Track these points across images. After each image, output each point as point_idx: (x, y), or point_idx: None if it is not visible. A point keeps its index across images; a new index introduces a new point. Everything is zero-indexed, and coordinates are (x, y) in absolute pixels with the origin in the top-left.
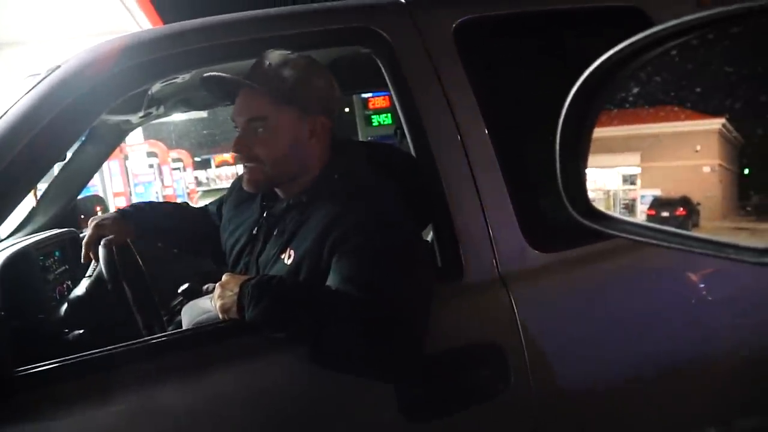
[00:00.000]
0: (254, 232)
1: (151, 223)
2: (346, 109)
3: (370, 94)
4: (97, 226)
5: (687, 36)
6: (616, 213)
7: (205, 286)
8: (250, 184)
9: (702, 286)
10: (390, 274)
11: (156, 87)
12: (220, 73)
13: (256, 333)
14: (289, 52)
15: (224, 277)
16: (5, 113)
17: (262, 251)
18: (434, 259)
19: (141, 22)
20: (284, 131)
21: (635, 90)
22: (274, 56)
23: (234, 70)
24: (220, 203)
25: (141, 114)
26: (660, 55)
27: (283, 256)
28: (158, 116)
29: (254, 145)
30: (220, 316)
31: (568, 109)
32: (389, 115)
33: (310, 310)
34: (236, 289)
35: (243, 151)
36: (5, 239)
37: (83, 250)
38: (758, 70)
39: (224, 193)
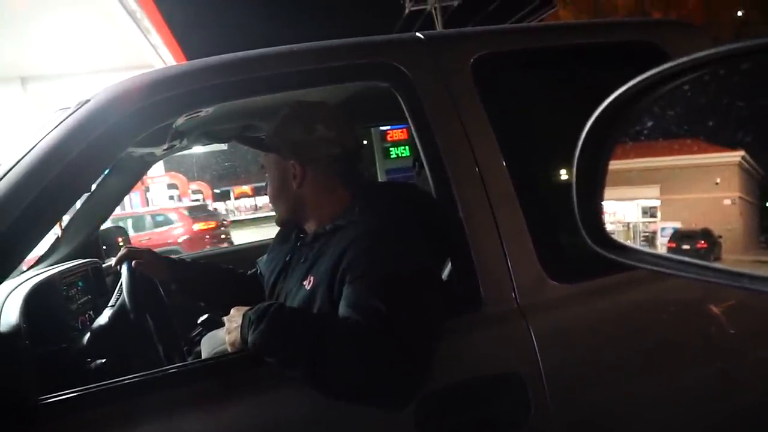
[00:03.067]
0: (287, 259)
1: (189, 280)
2: (364, 142)
3: (388, 127)
4: (134, 251)
5: (699, 71)
6: (632, 243)
7: (225, 317)
8: (276, 221)
9: (722, 318)
10: (395, 303)
11: (180, 120)
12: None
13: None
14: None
15: (231, 311)
16: (36, 145)
17: (291, 279)
18: (448, 295)
19: (165, 58)
20: (272, 176)
21: (649, 123)
22: (282, 109)
23: (256, 103)
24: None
25: (165, 147)
26: (673, 89)
27: (304, 283)
28: (181, 149)
29: (269, 189)
30: (230, 350)
31: (584, 142)
32: (407, 147)
33: (308, 334)
34: (239, 321)
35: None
36: (29, 269)
37: (116, 259)
38: (765, 104)
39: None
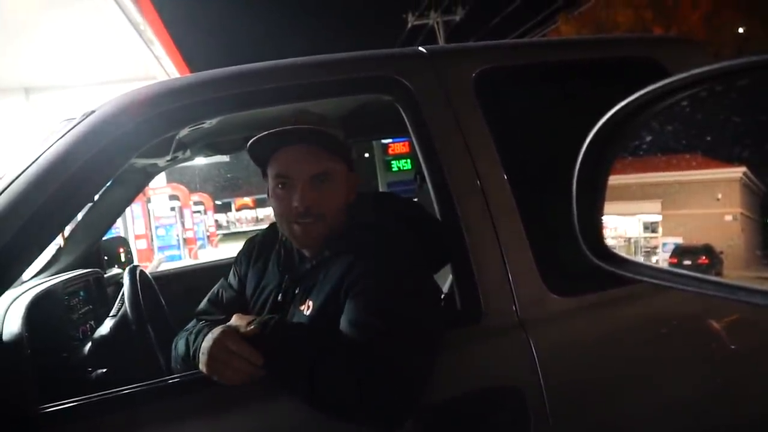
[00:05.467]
0: (279, 299)
1: None
2: (366, 155)
3: (390, 140)
4: None
5: (696, 88)
6: (630, 256)
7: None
8: (311, 240)
9: (723, 332)
10: (393, 320)
11: (183, 132)
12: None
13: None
14: (320, 113)
15: (234, 318)
16: (41, 155)
17: (286, 303)
18: (449, 307)
19: (168, 69)
20: (342, 186)
21: (648, 138)
22: (313, 115)
23: (260, 115)
24: (231, 278)
25: (168, 158)
26: (671, 105)
27: (302, 308)
28: (184, 160)
29: (319, 200)
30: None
31: (584, 156)
32: (408, 160)
33: (305, 349)
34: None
35: (312, 207)
36: (32, 278)
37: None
38: (764, 121)
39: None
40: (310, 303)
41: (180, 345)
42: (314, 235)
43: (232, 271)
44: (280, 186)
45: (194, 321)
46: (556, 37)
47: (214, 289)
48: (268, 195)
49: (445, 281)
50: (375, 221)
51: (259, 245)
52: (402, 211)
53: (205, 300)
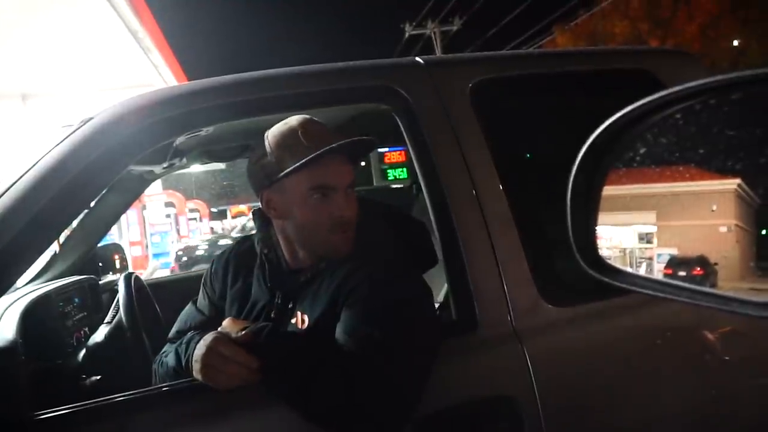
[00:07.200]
0: (272, 315)
1: None
2: (362, 163)
3: (386, 149)
4: None
5: (690, 101)
6: (624, 266)
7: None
8: (348, 249)
9: (717, 343)
10: (390, 329)
11: (180, 139)
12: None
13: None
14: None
15: (225, 323)
16: (39, 161)
17: (277, 318)
18: (443, 319)
19: (166, 77)
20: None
21: (642, 150)
22: (319, 123)
23: (257, 123)
24: (201, 302)
25: (164, 165)
26: (665, 118)
27: (295, 321)
28: (180, 167)
29: (354, 210)
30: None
31: (578, 167)
32: (404, 169)
33: (300, 359)
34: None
35: (352, 216)
36: (26, 285)
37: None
38: (758, 134)
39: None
40: (306, 317)
41: (169, 359)
42: (350, 244)
43: (201, 294)
44: (316, 196)
45: (168, 344)
46: (552, 48)
47: (182, 317)
48: (265, 207)
49: (440, 291)
50: (368, 230)
51: (234, 264)
52: (386, 216)
53: (174, 330)
